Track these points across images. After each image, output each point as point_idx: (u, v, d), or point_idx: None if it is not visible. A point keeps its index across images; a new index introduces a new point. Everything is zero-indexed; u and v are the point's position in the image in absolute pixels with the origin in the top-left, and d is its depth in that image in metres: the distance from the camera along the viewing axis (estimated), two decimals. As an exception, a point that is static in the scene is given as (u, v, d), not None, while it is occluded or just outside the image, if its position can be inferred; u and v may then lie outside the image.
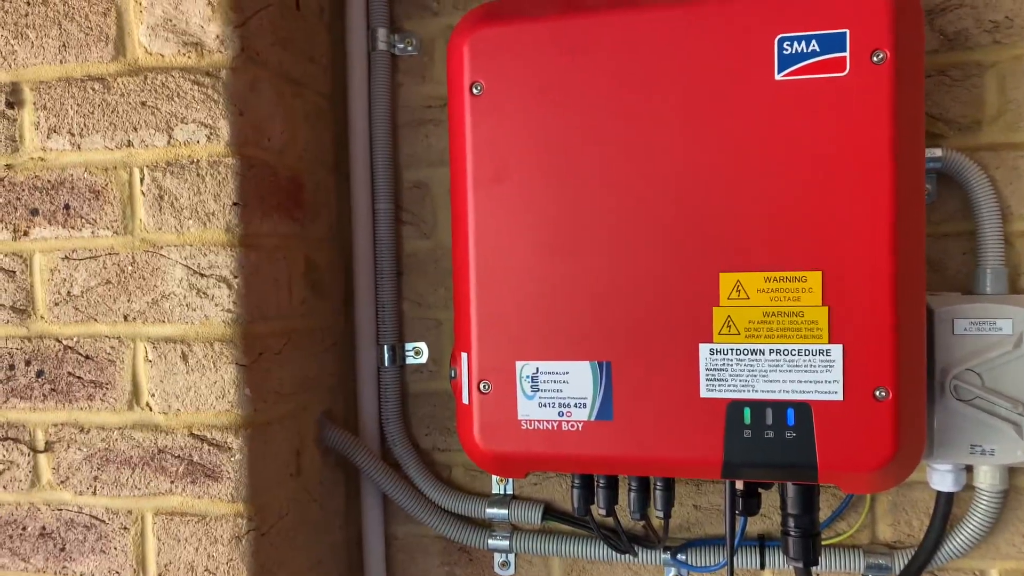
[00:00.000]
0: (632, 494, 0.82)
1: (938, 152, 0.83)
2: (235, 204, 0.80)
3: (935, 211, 0.86)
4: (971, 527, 0.84)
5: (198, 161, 0.80)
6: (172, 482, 0.83)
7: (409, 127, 1.01)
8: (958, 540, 0.85)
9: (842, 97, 0.68)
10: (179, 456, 0.82)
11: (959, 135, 0.85)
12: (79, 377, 0.84)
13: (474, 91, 0.76)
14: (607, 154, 0.73)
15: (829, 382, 0.69)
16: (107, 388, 0.83)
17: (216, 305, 0.80)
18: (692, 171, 0.71)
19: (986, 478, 0.83)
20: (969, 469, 0.84)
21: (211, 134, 0.80)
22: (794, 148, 0.69)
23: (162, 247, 0.81)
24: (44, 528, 0.87)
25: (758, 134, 0.70)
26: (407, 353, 1.02)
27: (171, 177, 0.81)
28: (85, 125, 0.82)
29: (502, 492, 1.00)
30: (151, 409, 0.83)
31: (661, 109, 0.72)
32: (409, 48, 1.00)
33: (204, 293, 0.81)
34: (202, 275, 0.81)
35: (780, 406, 0.70)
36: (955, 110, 0.85)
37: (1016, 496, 0.86)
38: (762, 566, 0.90)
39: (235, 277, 0.80)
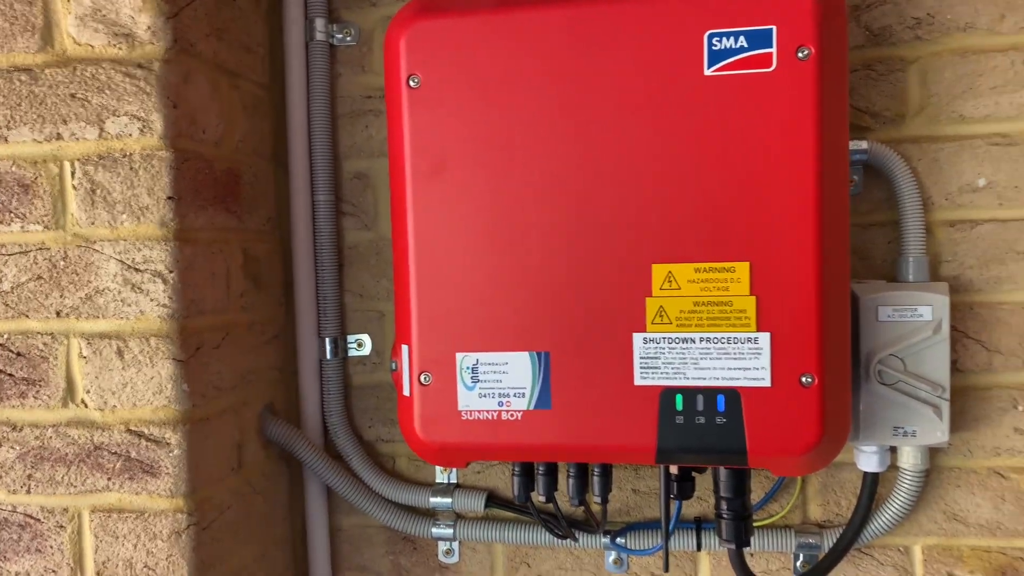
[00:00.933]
0: (571, 481, 0.83)
1: (864, 144, 0.85)
2: (169, 198, 0.79)
3: (862, 202, 0.89)
4: (895, 506, 0.88)
5: (131, 155, 0.79)
6: (109, 479, 0.82)
7: (349, 118, 1.00)
8: (883, 518, 0.88)
9: (769, 92, 0.70)
10: (116, 452, 0.81)
11: (884, 128, 0.88)
12: (10, 375, 0.83)
13: (411, 84, 0.77)
14: (542, 147, 0.74)
15: (757, 369, 0.72)
16: (40, 385, 0.82)
17: (151, 300, 0.80)
18: (625, 164, 0.73)
19: (909, 459, 0.86)
20: (893, 450, 0.88)
21: (144, 127, 0.78)
22: (723, 142, 0.71)
23: (95, 242, 0.80)
24: (-23, 528, 0.85)
25: (689, 128, 0.72)
26: (349, 345, 1.02)
27: (103, 171, 0.79)
28: (12, 117, 0.80)
29: (446, 481, 1.01)
30: (86, 406, 0.82)
31: (595, 103, 0.73)
32: (348, 38, 0.99)
33: (139, 288, 0.80)
34: (137, 270, 0.80)
35: (710, 393, 0.72)
36: (880, 103, 0.88)
37: (937, 475, 0.90)
38: (699, 548, 0.92)
39: (170, 272, 0.79)
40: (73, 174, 0.80)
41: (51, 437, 0.82)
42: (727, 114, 0.71)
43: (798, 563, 0.92)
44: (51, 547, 0.84)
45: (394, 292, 0.81)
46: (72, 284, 0.81)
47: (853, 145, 0.85)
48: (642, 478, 0.96)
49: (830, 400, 0.72)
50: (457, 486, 1.00)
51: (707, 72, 0.71)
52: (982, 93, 0.86)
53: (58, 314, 0.81)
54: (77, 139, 0.79)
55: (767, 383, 0.71)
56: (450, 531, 0.99)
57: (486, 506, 0.98)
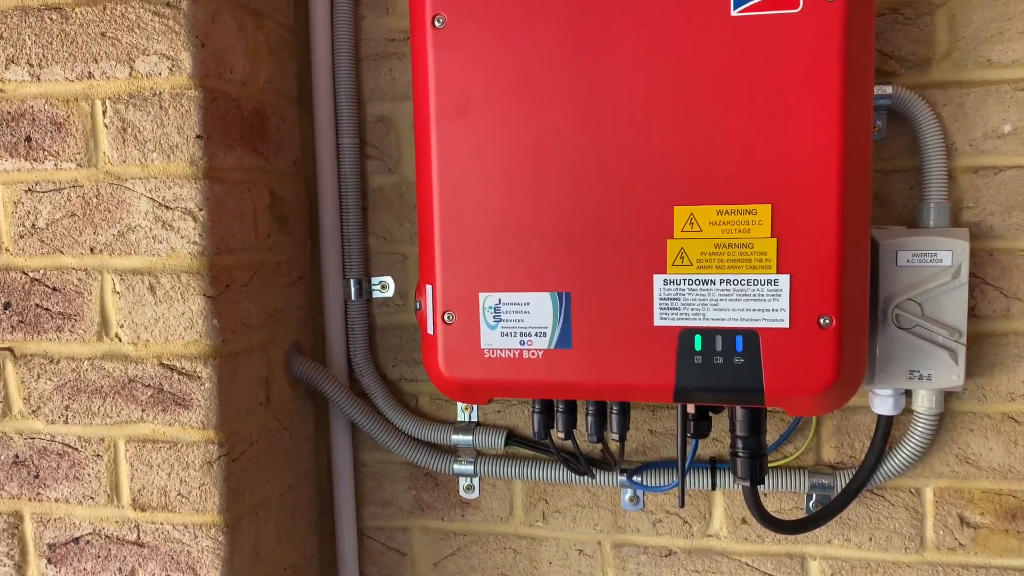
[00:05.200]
0: (590, 418, 0.85)
1: (888, 89, 0.85)
2: (199, 137, 0.80)
3: (885, 147, 0.89)
4: (908, 448, 0.89)
5: (160, 93, 0.80)
6: (143, 410, 0.85)
7: (373, 60, 1.01)
8: (896, 461, 0.90)
9: (794, 33, 0.70)
10: (149, 385, 0.84)
11: (910, 73, 0.88)
12: (47, 309, 0.85)
13: (436, 24, 0.77)
14: (567, 89, 0.75)
15: (776, 310, 0.73)
16: (76, 319, 0.85)
17: (182, 237, 0.81)
18: (650, 106, 0.73)
19: (923, 402, 0.87)
20: (908, 394, 0.89)
21: (173, 66, 0.79)
22: (748, 83, 0.71)
23: (126, 180, 0.82)
24: (17, 456, 0.89)
25: (713, 69, 0.72)
26: (374, 287, 1.04)
27: (134, 109, 0.81)
28: (44, 56, 0.81)
29: (467, 419, 1.03)
30: (120, 340, 0.84)
31: (620, 44, 0.73)
32: (372, -20, 0.99)
33: (170, 225, 0.81)
34: (167, 208, 0.81)
35: (729, 333, 0.74)
36: (907, 48, 0.88)
37: (951, 419, 0.91)
38: (713, 487, 0.95)
39: (200, 210, 0.81)
40: (104, 112, 0.81)
41: (87, 370, 0.85)
42: (752, 55, 0.71)
43: (811, 503, 0.95)
44: (89, 475, 0.87)
45: (418, 233, 0.82)
46: (105, 221, 0.83)
47: (878, 90, 0.84)
48: (659, 419, 0.98)
49: (847, 342, 0.73)
50: (478, 424, 1.03)
51: (733, 13, 0.71)
52: (1011, 37, 0.85)
53: (92, 250, 0.83)
54: (108, 77, 0.81)
55: (785, 324, 0.72)
56: (471, 467, 1.01)
57: (506, 444, 1.00)
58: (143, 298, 0.83)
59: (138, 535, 0.87)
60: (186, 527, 0.85)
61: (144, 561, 0.87)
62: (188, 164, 0.80)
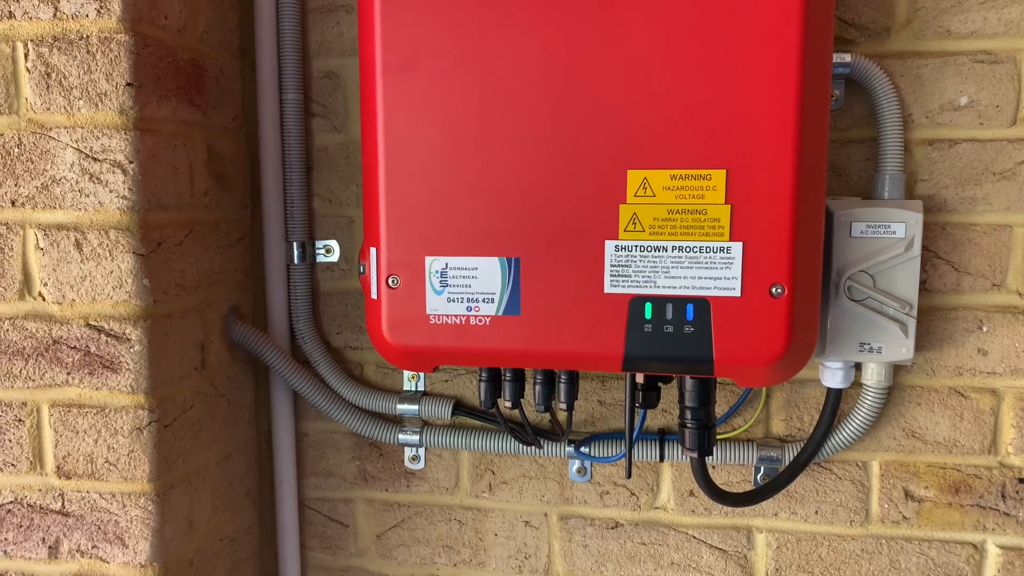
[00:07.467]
0: (537, 387, 0.83)
1: (847, 58, 0.83)
2: (129, 84, 0.75)
3: (842, 117, 0.88)
4: (856, 422, 0.89)
5: (88, 37, 0.75)
6: (69, 373, 0.80)
7: (320, 13, 0.96)
8: (844, 433, 0.90)
9: (754, -6, 0.68)
10: (75, 347, 0.80)
11: (869, 41, 0.86)
12: (-35, 265, 0.80)
13: (384, -28, 0.73)
14: (520, 46, 0.72)
15: (728, 279, 0.71)
16: (-5, 277, 0.80)
17: (111, 191, 0.77)
18: (604, 67, 0.70)
19: (873, 375, 0.87)
20: (858, 367, 0.88)
21: (101, 8, 0.75)
22: (706, 47, 0.69)
23: (51, 129, 0.77)
24: (-67, 421, 0.84)
25: (671, 31, 0.69)
26: (318, 251, 1.00)
27: (59, 53, 0.76)
28: (-40, -7, 0.76)
29: (413, 389, 1.01)
30: (44, 299, 0.79)
31: (575, 2, 0.70)
32: (320, -72, 0.95)
33: (98, 178, 0.77)
34: (95, 159, 0.77)
35: (680, 302, 0.72)
36: (867, 16, 0.86)
37: (899, 392, 0.91)
38: (661, 459, 0.94)
39: (130, 162, 0.76)
40: (27, 56, 0.76)
41: (8, 330, 0.80)
42: (710, 18, 0.68)
43: (759, 476, 0.94)
44: (10, 440, 0.82)
45: (363, 193, 0.79)
46: (27, 172, 0.78)
47: (836, 58, 0.83)
48: (608, 390, 0.96)
49: (799, 311, 0.71)
50: (425, 393, 1.00)
51: (692, -29, 0.68)
52: (970, 7, 0.84)
53: (13, 203, 0.78)
54: (30, 18, 0.75)
55: (737, 293, 0.71)
56: (416, 437, 0.99)
57: (453, 413, 0.98)
58: (68, 255, 0.78)
59: (63, 504, 0.83)
60: (114, 496, 0.82)
61: (69, 531, 0.83)
62: (117, 114, 0.76)
